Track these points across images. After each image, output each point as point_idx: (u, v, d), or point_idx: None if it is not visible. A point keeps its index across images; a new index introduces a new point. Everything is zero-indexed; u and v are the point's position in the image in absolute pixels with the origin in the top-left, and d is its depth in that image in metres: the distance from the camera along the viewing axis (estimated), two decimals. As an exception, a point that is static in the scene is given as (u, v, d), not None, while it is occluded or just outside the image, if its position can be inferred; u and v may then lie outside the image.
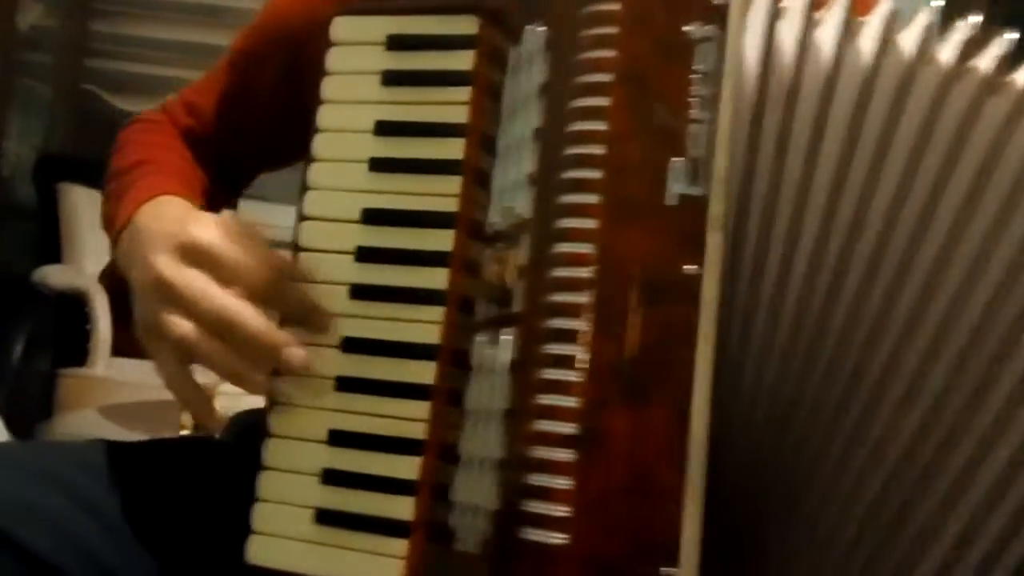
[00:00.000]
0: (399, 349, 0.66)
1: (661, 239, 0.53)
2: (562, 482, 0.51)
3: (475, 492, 0.56)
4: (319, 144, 0.70)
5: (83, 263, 3.53)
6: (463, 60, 0.67)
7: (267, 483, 0.67)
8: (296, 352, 0.65)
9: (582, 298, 0.53)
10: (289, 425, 0.67)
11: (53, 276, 3.29)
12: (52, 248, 3.56)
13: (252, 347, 0.65)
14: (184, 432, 1.75)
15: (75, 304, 3.15)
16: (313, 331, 0.67)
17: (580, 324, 0.52)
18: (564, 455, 0.51)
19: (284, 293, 0.66)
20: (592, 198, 0.53)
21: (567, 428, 0.52)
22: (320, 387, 0.67)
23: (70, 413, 2.92)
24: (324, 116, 0.71)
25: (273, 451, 0.67)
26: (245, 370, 0.66)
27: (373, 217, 0.68)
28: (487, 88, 0.66)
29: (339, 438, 0.66)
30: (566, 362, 0.52)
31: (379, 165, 0.69)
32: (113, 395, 2.95)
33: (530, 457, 0.52)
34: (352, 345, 0.67)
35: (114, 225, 0.77)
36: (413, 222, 0.67)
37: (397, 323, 0.66)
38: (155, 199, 0.76)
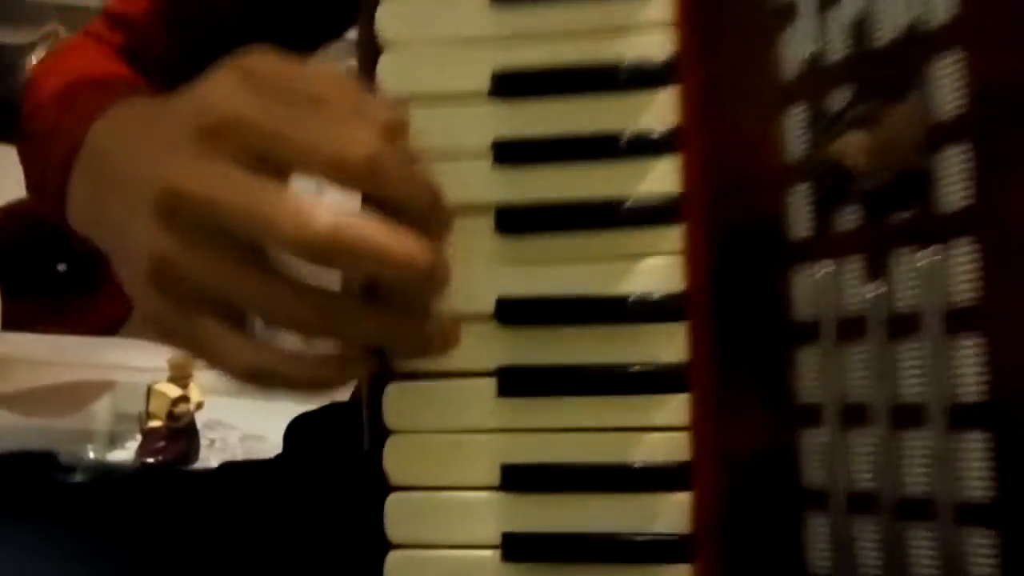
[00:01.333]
0: (603, 309, 0.37)
1: None
2: None
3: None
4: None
5: (-46, 219, 3.00)
6: None
7: (402, 568, 0.37)
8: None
9: None
10: (427, 463, 0.38)
11: (-78, 237, 2.70)
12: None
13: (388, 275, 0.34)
14: (153, 424, 1.35)
15: (-49, 270, 2.61)
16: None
17: None
18: None
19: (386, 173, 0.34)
20: None
21: None
22: (471, 392, 0.38)
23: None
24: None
25: (402, 514, 0.37)
26: (367, 326, 0.35)
27: (507, 86, 0.39)
28: None
29: (517, 478, 0.37)
30: None
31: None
32: (7, 376, 2.48)
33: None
34: (511, 311, 0.38)
35: (50, 164, 0.46)
36: (586, 84, 0.38)
37: (591, 267, 0.38)
38: (115, 107, 0.44)
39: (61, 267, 3.00)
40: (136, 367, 2.11)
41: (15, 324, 2.64)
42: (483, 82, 0.39)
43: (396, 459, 0.38)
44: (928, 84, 0.29)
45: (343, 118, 0.33)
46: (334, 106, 0.33)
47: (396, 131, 0.33)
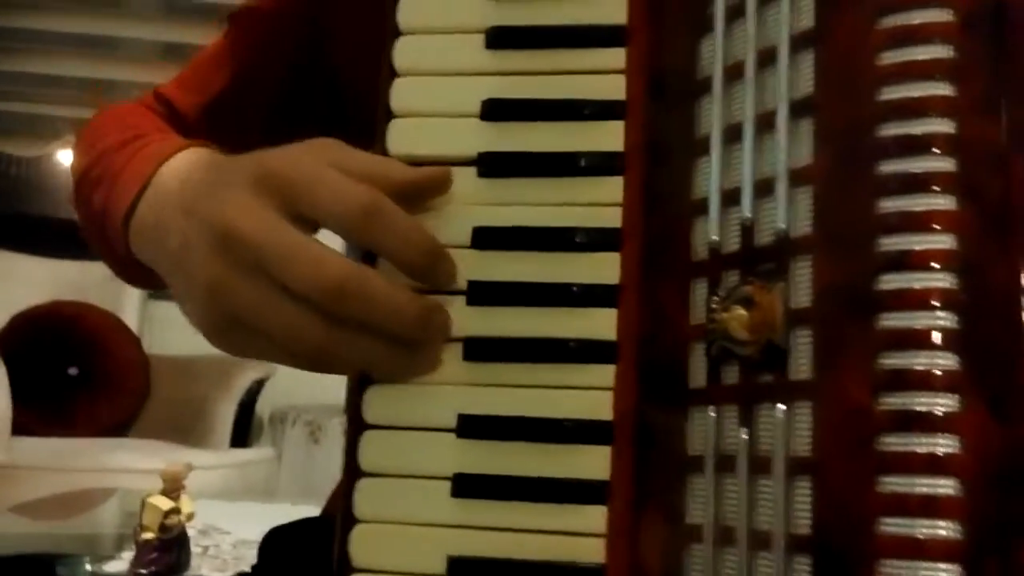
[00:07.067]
0: (544, 429, 0.45)
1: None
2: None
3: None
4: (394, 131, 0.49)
5: (-29, 329, 3.01)
6: (611, 10, 0.47)
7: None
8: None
9: (943, 360, 0.33)
10: (389, 550, 0.45)
11: (-59, 346, 2.67)
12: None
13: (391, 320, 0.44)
14: (146, 536, 1.42)
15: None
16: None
17: (945, 401, 0.33)
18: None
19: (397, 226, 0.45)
20: (941, 201, 0.34)
21: (945, 574, 0.32)
22: (431, 492, 0.46)
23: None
24: (400, 94, 0.49)
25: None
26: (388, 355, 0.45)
27: (485, 239, 0.47)
28: (655, 44, 0.46)
29: (464, 570, 0.45)
30: (928, 464, 0.32)
31: (492, 166, 0.48)
32: (16, 483, 2.51)
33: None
34: (470, 427, 0.46)
35: (118, 199, 0.55)
36: (550, 243, 0.47)
37: (535, 392, 0.46)
38: (182, 152, 0.54)
39: (72, 371, 3.07)
40: (144, 469, 2.17)
41: (26, 430, 2.67)
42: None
43: (361, 547, 0.45)
44: (789, 279, 0.37)
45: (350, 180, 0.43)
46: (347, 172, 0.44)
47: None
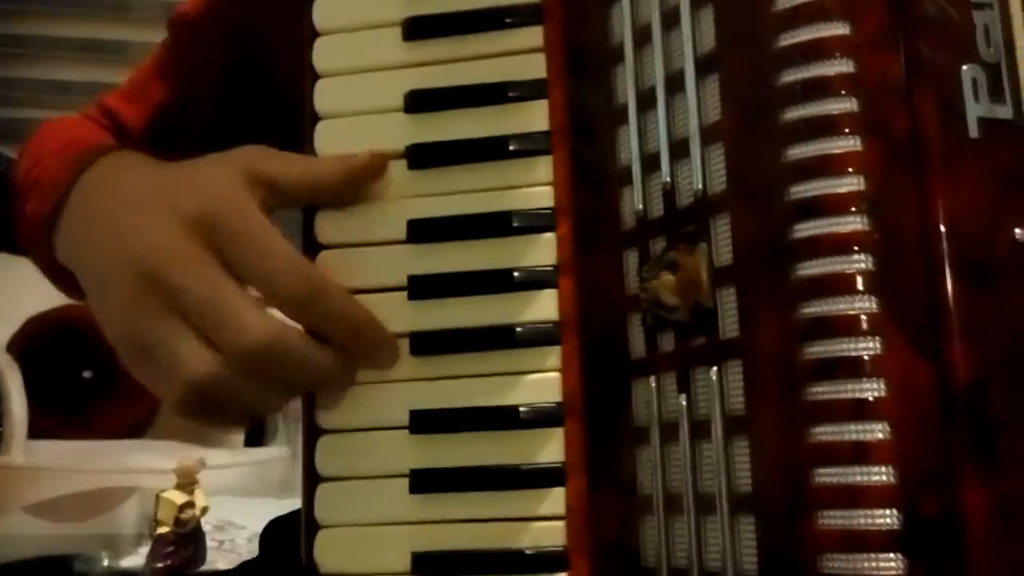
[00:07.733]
0: (494, 418, 0.45)
1: (970, 191, 0.33)
2: (895, 611, 0.30)
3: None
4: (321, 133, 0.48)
5: (-17, 333, 3.11)
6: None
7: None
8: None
9: (863, 303, 0.32)
10: (352, 552, 0.45)
11: (-47, 353, 2.68)
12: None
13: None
14: (162, 530, 1.43)
15: (-19, 382, 2.62)
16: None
17: (868, 344, 0.32)
18: (887, 566, 0.31)
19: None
20: (847, 142, 0.33)
21: (883, 519, 0.31)
22: (388, 490, 0.45)
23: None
24: (323, 95, 0.49)
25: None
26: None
27: (420, 232, 0.47)
28: (571, 18, 0.46)
29: (427, 565, 0.44)
30: (856, 410, 0.32)
31: (421, 158, 0.47)
32: (35, 485, 2.52)
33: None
34: (422, 421, 0.45)
35: (46, 204, 0.53)
36: (486, 230, 0.46)
37: (484, 381, 0.45)
38: (111, 154, 0.52)
39: (87, 374, 3.07)
40: (162, 469, 2.18)
41: (42, 434, 2.68)
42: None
43: (326, 552, 0.45)
44: (711, 239, 0.37)
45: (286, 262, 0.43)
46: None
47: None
